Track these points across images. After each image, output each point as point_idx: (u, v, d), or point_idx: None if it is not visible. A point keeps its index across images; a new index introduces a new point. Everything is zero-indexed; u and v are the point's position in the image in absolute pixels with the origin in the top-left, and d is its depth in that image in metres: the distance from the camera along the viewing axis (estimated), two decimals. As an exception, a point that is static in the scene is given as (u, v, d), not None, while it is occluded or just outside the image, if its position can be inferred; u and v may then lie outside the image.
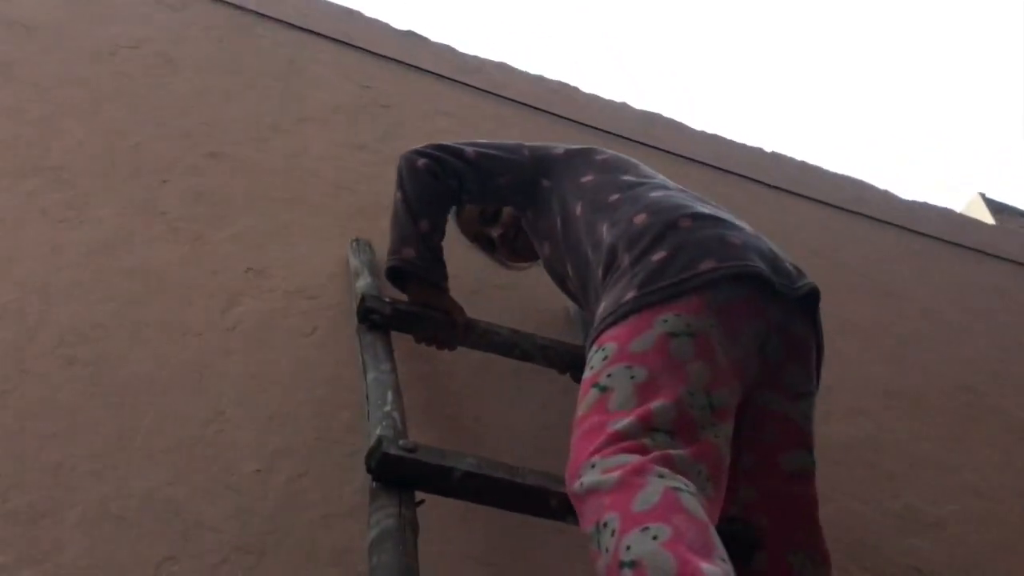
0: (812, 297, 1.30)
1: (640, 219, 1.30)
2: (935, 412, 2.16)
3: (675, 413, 1.08)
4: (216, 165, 1.89)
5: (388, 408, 1.24)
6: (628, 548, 0.94)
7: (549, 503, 1.14)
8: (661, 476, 1.00)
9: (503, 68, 2.44)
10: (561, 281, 1.61)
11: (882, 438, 2.03)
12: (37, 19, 1.97)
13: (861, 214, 2.58)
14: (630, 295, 1.20)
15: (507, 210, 1.71)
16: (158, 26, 2.09)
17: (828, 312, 2.17)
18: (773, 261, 1.28)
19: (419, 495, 1.14)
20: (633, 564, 0.92)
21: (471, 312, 1.65)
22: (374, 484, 1.11)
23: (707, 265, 1.20)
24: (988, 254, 2.67)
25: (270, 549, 1.41)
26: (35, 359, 1.48)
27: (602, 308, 1.25)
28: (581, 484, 1.04)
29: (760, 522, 1.22)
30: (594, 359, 1.19)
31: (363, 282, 1.60)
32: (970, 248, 2.66)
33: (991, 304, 2.53)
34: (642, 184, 1.42)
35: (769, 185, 2.51)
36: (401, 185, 1.59)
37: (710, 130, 2.62)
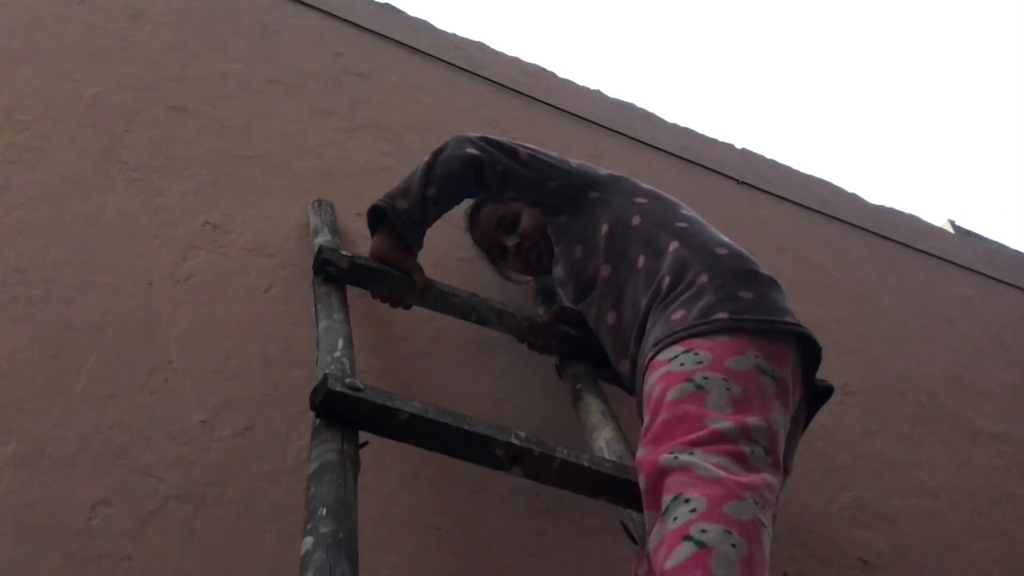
0: (829, 393, 1.44)
1: (722, 252, 1.44)
2: (890, 411, 2.17)
3: (768, 433, 1.19)
4: (180, 119, 1.85)
5: (338, 354, 1.22)
6: (704, 531, 1.03)
7: (495, 452, 1.12)
8: (756, 503, 1.09)
9: (480, 47, 2.42)
10: (580, 282, 1.61)
11: (837, 432, 2.03)
12: (4, -38, 1.92)
13: (827, 215, 2.59)
14: (722, 315, 1.31)
15: (526, 220, 1.74)
16: (129, -21, 2.05)
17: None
18: None
19: (364, 437, 1.11)
20: (701, 544, 1.01)
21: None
22: (317, 421, 1.08)
23: (790, 319, 1.35)
24: (950, 262, 2.69)
25: (210, 500, 1.37)
26: (-24, 295, 1.43)
27: (680, 315, 1.34)
28: (676, 458, 1.12)
29: None
30: (683, 357, 1.27)
31: (322, 238, 1.57)
32: (933, 255, 2.68)
33: (951, 310, 2.55)
34: (706, 225, 1.56)
35: (738, 180, 2.52)
36: (436, 154, 1.57)
37: (685, 119, 2.62)
